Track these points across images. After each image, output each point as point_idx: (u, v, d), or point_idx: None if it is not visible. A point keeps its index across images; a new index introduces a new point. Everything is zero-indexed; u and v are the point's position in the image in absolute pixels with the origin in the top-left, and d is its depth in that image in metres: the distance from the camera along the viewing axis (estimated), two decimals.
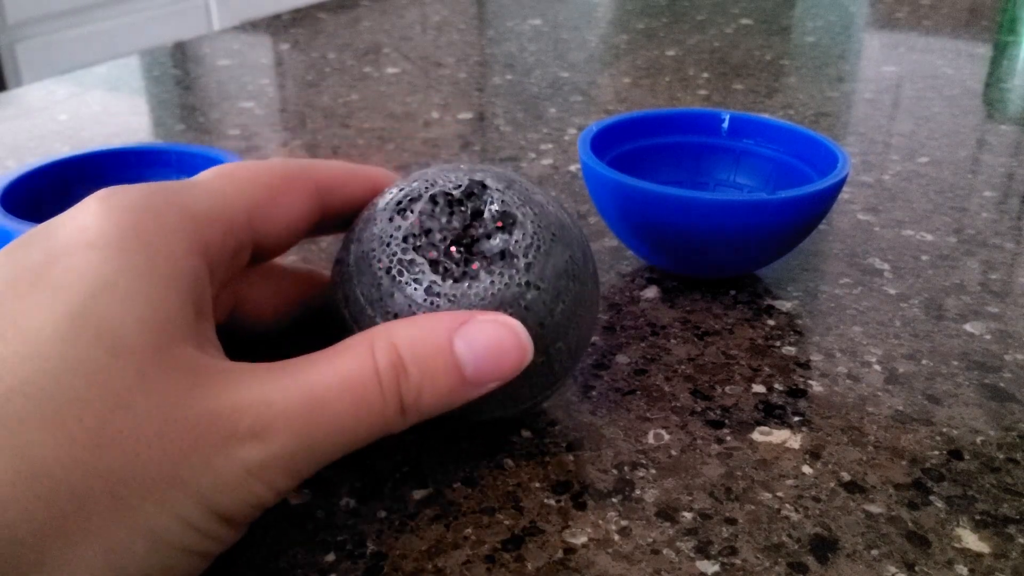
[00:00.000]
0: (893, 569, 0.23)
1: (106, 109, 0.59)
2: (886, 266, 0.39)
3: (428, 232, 0.24)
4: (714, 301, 0.36)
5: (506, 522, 0.24)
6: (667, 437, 0.28)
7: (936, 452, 0.27)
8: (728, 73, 0.66)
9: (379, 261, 0.24)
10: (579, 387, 0.30)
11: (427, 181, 0.25)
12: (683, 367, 0.32)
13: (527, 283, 0.23)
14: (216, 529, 0.19)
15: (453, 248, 0.24)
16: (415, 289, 0.23)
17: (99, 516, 0.18)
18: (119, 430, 0.18)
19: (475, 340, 0.22)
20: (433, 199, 0.24)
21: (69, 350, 0.18)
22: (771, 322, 0.34)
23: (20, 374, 0.18)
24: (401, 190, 0.25)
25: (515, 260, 0.24)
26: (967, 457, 0.27)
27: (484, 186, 0.24)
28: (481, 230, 0.24)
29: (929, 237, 0.41)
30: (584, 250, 0.26)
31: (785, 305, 0.36)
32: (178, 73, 0.67)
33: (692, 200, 0.33)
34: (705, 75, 0.65)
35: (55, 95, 0.62)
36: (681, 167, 0.41)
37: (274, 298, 0.28)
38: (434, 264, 0.23)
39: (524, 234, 0.24)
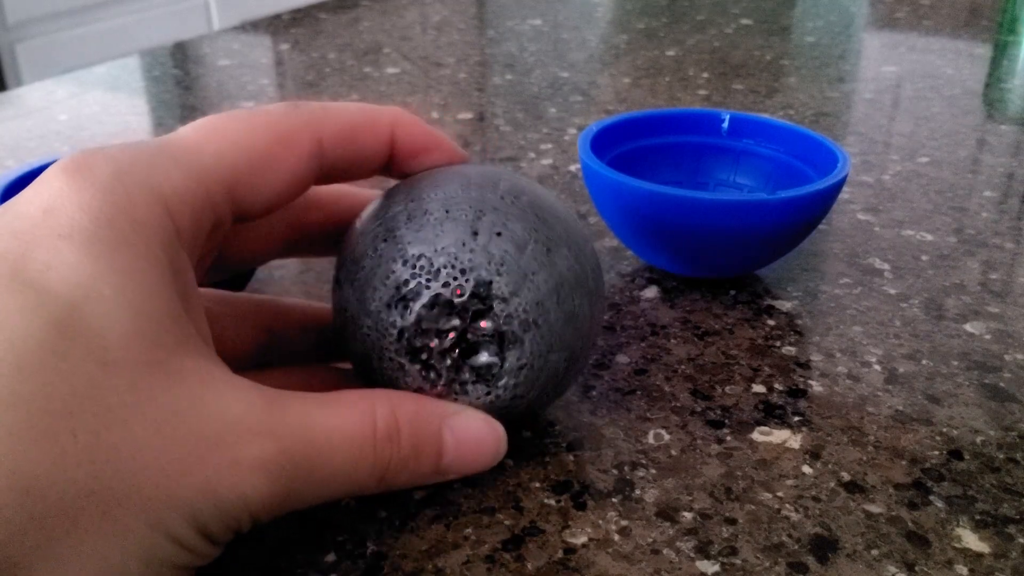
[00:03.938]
0: (893, 569, 0.23)
1: (106, 109, 0.59)
2: (886, 266, 0.39)
3: (424, 332, 0.23)
4: (714, 301, 0.36)
5: (506, 522, 0.24)
6: (667, 437, 0.28)
7: (936, 452, 0.27)
8: (728, 73, 0.66)
9: (373, 347, 0.23)
10: (579, 387, 0.30)
11: (432, 267, 0.23)
12: (683, 367, 0.32)
13: (512, 397, 0.24)
14: (202, 547, 0.19)
15: (447, 354, 0.23)
16: (403, 389, 0.23)
17: (92, 537, 0.17)
18: (114, 446, 0.17)
19: (461, 434, 0.23)
20: (434, 299, 0.23)
21: (60, 363, 0.17)
22: (771, 322, 0.34)
23: (8, 385, 0.17)
24: (404, 263, 0.23)
25: (504, 379, 0.23)
26: (967, 457, 0.27)
27: (490, 286, 0.23)
28: (476, 336, 0.23)
29: (929, 237, 0.41)
30: (585, 332, 0.24)
31: (785, 305, 0.36)
32: (178, 73, 0.67)
33: (692, 200, 0.33)
34: (705, 75, 0.65)
35: (55, 95, 0.62)
36: (681, 167, 0.41)
37: (258, 237, 0.26)
38: (425, 370, 0.23)
39: (519, 355, 0.23)
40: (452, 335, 0.23)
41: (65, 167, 0.19)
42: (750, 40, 0.74)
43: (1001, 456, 0.27)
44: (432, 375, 0.23)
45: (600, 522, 0.25)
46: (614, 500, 0.25)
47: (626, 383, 0.31)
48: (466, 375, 0.23)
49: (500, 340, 0.23)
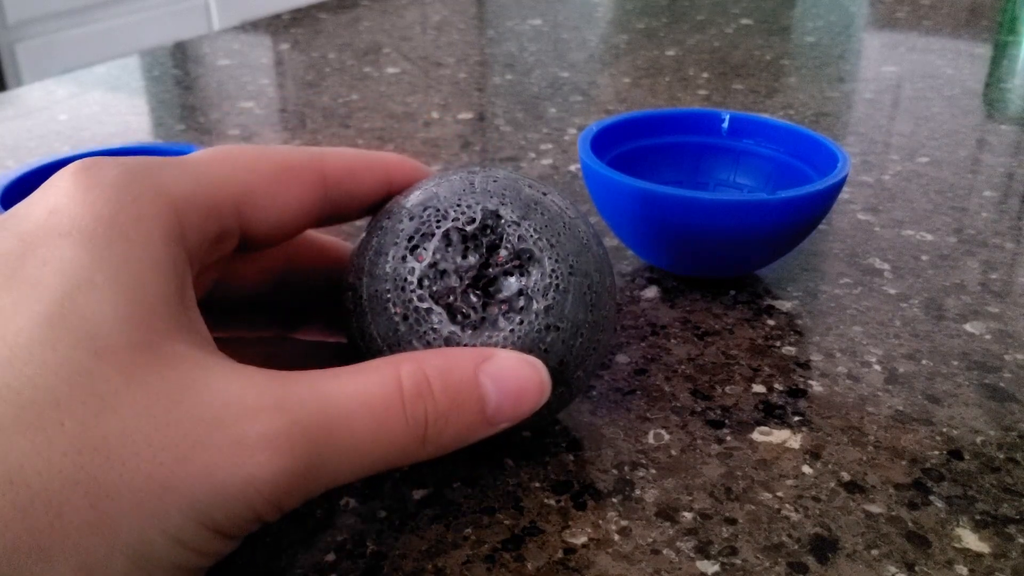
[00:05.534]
0: (893, 569, 0.23)
1: (106, 109, 0.59)
2: (886, 266, 0.39)
3: (443, 274, 0.23)
4: (714, 301, 0.36)
5: (506, 522, 0.24)
6: (667, 437, 0.28)
7: (936, 452, 0.27)
8: (728, 73, 0.66)
9: (395, 305, 0.23)
10: None
11: (438, 212, 0.23)
12: (683, 367, 0.32)
13: (547, 326, 0.23)
14: (208, 544, 0.18)
15: (470, 291, 0.23)
16: (434, 339, 0.23)
17: (77, 531, 0.16)
18: (103, 436, 0.17)
19: (500, 378, 0.21)
20: (447, 236, 0.23)
21: (49, 353, 0.17)
22: (771, 322, 0.34)
23: None
24: (412, 219, 0.23)
25: (533, 303, 0.23)
26: (967, 457, 0.27)
27: (499, 216, 0.23)
28: (497, 269, 0.23)
29: (929, 237, 0.41)
30: (600, 266, 0.25)
31: (785, 305, 0.36)
32: (178, 73, 0.67)
33: (692, 200, 0.33)
34: (705, 75, 0.65)
35: (55, 95, 0.62)
36: (681, 167, 0.41)
37: (255, 266, 0.26)
38: (451, 311, 0.23)
39: (542, 273, 0.23)
40: (471, 273, 0.23)
41: (74, 170, 0.20)
42: (750, 40, 0.74)
43: (1001, 456, 0.27)
44: (460, 317, 0.23)
45: (600, 522, 0.25)
46: (614, 500, 0.25)
47: (626, 383, 0.31)
48: (495, 310, 0.23)
49: (519, 263, 0.23)
